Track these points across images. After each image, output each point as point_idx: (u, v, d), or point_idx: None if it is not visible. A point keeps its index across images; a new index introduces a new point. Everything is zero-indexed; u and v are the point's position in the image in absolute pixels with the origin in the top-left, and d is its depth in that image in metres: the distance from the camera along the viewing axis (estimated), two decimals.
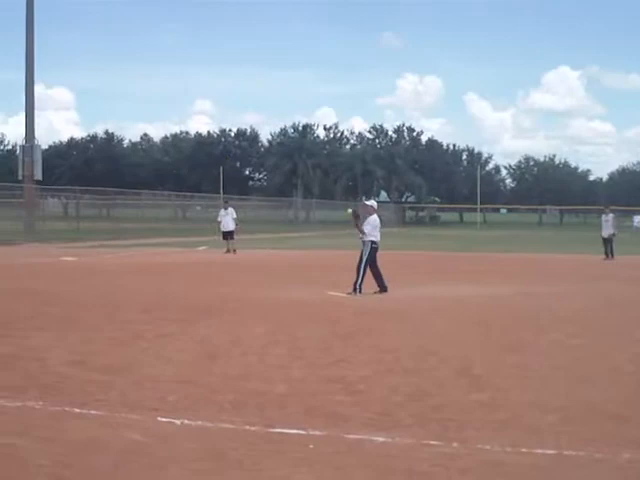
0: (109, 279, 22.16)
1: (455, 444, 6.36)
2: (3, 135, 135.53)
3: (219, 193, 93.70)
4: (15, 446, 6.23)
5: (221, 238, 37.21)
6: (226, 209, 37.89)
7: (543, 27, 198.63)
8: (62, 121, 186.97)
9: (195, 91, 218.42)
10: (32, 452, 6.08)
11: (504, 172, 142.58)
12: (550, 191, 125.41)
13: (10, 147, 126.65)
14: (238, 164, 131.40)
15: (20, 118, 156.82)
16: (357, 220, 18.46)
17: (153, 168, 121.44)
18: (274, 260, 32.57)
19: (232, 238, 36.54)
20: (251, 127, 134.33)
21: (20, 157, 54.97)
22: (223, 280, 22.19)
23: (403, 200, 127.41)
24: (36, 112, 56.67)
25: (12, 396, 7.74)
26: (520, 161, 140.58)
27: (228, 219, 36.95)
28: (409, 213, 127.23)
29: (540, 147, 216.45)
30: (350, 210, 19.74)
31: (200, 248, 40.58)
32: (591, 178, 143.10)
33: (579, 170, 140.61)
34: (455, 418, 7.15)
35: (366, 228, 18.10)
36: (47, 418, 7.11)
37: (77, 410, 7.28)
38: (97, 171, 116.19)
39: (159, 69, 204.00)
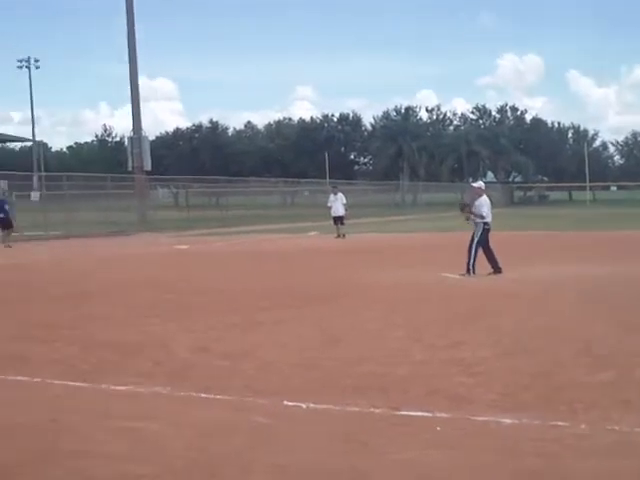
0: (222, 266, 22.53)
1: (583, 425, 6.30)
2: (110, 128, 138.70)
3: (325, 178, 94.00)
4: (148, 430, 6.39)
5: (331, 223, 37.52)
6: (335, 194, 38.12)
7: None
8: (166, 112, 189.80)
9: (296, 78, 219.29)
10: (164, 436, 6.23)
11: (612, 149, 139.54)
12: None
13: (118, 139, 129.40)
14: (342, 149, 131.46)
15: (125, 110, 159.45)
16: (468, 208, 18.27)
17: (259, 155, 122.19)
18: (384, 243, 32.58)
19: (342, 223, 36.81)
20: (353, 112, 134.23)
21: (129, 149, 55.97)
22: (336, 265, 22.28)
23: (510, 180, 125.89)
24: (141, 104, 57.74)
25: (142, 382, 7.96)
26: (627, 137, 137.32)
27: (338, 204, 37.17)
28: (517, 193, 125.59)
29: None
30: (459, 206, 19.60)
31: (310, 234, 40.86)
32: None
33: None
34: (581, 398, 7.07)
35: (483, 210, 17.85)
36: (176, 403, 7.28)
37: (204, 395, 7.44)
38: (203, 160, 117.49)
39: (259, 57, 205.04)
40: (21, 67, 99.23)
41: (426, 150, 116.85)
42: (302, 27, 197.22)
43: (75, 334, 11.13)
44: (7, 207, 37.89)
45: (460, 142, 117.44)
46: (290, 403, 7.08)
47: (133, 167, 54.28)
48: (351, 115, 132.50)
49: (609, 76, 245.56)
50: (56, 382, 8.08)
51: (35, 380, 8.17)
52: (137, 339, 10.57)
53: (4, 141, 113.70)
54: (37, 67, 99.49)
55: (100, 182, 52.75)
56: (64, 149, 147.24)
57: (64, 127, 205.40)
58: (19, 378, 8.29)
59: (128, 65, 56.06)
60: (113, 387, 7.82)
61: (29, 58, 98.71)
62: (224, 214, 60.81)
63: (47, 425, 6.60)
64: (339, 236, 35.81)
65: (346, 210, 37.51)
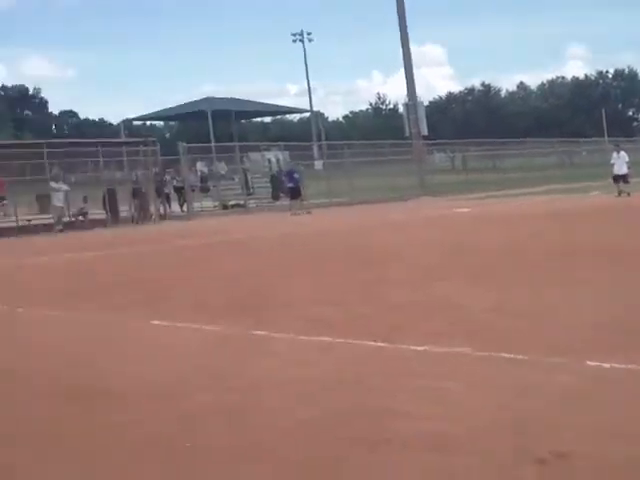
0: (500, 228, 22.41)
1: None
2: (384, 95, 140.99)
3: (602, 136, 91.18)
4: (448, 389, 6.41)
5: (611, 182, 36.56)
6: (618, 152, 37.06)
7: None
8: (437, 77, 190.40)
9: (567, 36, 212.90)
10: (465, 395, 6.20)
11: None
12: None
13: (391, 106, 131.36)
14: (620, 105, 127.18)
15: (397, 78, 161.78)
16: None
17: (532, 116, 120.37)
18: None
19: (626, 182, 35.74)
20: (629, 67, 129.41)
21: (405, 115, 56.85)
22: (623, 223, 21.62)
23: None
24: (413, 70, 58.25)
25: (439, 342, 8.01)
26: None
27: (620, 162, 36.20)
28: None
29: None
30: None
31: (592, 193, 39.85)
32: None
33: None
34: None
35: None
36: (476, 363, 7.25)
37: (506, 355, 7.36)
38: (477, 123, 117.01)
39: (527, 17, 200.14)
40: (295, 41, 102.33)
41: None
42: None
43: (369, 296, 11.43)
44: (297, 176, 39.26)
45: None
46: (592, 363, 6.92)
47: (410, 133, 55.02)
48: (627, 70, 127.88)
49: None
50: (357, 342, 8.31)
51: (338, 340, 8.43)
52: (428, 300, 10.71)
53: (283, 113, 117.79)
54: (310, 40, 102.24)
55: (379, 149, 53.83)
56: (340, 118, 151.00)
57: (339, 97, 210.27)
58: (322, 338, 8.59)
59: (399, 33, 56.68)
60: (413, 347, 7.92)
61: (302, 32, 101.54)
62: (501, 176, 60.35)
63: (352, 384, 6.80)
64: (620, 194, 34.79)
65: (629, 168, 36.46)
